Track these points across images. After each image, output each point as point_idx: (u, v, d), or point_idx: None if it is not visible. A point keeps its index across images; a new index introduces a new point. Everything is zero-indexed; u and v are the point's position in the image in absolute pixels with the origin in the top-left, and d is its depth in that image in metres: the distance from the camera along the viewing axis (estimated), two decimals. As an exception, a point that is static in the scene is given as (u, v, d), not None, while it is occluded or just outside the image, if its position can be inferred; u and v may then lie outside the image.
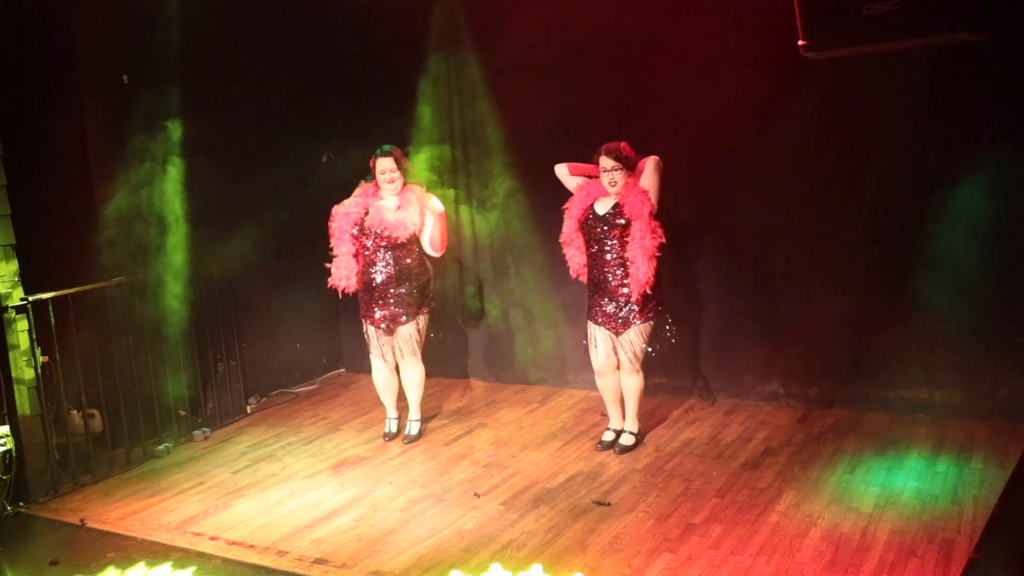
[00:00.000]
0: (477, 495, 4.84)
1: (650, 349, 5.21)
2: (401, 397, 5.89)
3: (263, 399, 6.92)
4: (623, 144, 5.05)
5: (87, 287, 5.48)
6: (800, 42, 4.43)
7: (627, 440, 5.36)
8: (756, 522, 4.30)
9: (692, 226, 6.05)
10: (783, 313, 5.92)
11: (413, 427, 5.83)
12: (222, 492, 5.15)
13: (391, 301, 5.50)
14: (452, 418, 6.25)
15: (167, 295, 5.94)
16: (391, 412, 5.89)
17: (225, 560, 4.31)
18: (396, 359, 5.69)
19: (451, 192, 6.87)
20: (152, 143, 5.84)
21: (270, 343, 7.00)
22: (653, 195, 5.01)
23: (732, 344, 6.10)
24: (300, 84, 6.89)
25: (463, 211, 6.88)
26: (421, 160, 6.80)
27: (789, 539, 4.11)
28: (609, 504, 4.62)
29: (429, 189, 6.80)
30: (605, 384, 5.37)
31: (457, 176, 6.85)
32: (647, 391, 6.42)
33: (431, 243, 5.53)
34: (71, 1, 5.62)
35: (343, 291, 5.55)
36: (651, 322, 5.13)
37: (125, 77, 5.84)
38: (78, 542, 4.62)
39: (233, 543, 4.48)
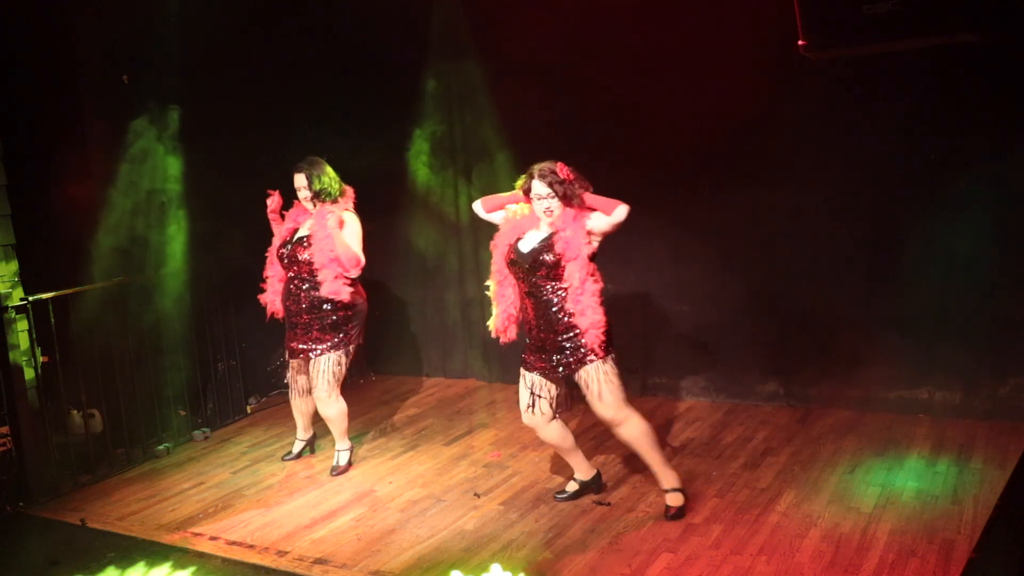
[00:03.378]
0: (477, 495, 4.84)
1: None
2: (318, 422, 5.50)
3: (263, 399, 6.92)
4: (560, 165, 4.21)
5: (87, 287, 5.49)
6: (800, 42, 4.43)
7: (674, 499, 4.44)
8: (756, 522, 4.30)
9: (691, 225, 6.05)
10: (783, 313, 5.92)
11: (341, 457, 5.35)
12: (222, 492, 5.15)
13: (305, 331, 5.05)
14: (452, 418, 6.25)
15: (167, 295, 5.94)
16: (299, 433, 5.56)
17: (225, 560, 4.31)
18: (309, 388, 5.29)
19: (451, 193, 6.88)
20: (152, 143, 5.84)
21: (270, 343, 6.99)
22: (597, 240, 4.25)
23: (732, 344, 6.10)
24: (300, 84, 6.89)
25: (463, 213, 6.88)
26: (421, 161, 6.82)
27: (789, 539, 4.11)
28: (609, 504, 4.62)
29: (428, 190, 6.86)
30: (546, 438, 4.54)
31: (457, 178, 6.86)
32: (648, 390, 6.43)
33: (340, 262, 4.94)
34: (71, 1, 5.62)
35: (271, 315, 5.24)
36: (611, 355, 4.28)
37: (125, 77, 5.84)
38: (78, 542, 4.61)
39: (233, 543, 4.48)
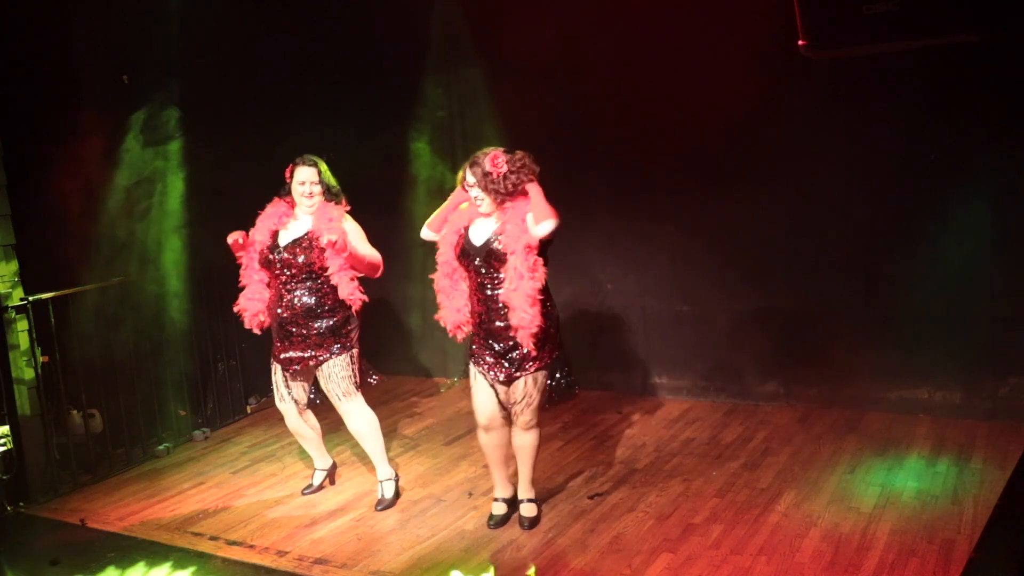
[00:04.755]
0: (470, 494, 4.84)
1: (546, 402, 4.28)
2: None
3: (263, 399, 6.91)
4: (494, 155, 4.07)
5: (87, 287, 5.49)
6: (800, 42, 4.43)
7: (530, 510, 4.45)
8: (756, 522, 4.30)
9: (691, 225, 6.05)
10: (783, 313, 5.92)
11: (385, 489, 4.84)
12: (222, 492, 5.15)
13: (302, 340, 4.63)
14: (452, 418, 6.25)
15: (167, 294, 5.94)
16: (317, 462, 5.08)
17: (225, 560, 4.31)
18: (305, 402, 4.84)
19: (451, 193, 6.87)
20: (151, 142, 5.84)
21: (270, 343, 6.98)
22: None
23: (732, 344, 6.10)
24: (300, 82, 6.89)
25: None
26: (422, 161, 6.82)
27: (789, 539, 4.11)
28: (603, 494, 4.66)
29: (428, 189, 6.84)
30: (490, 442, 4.39)
31: (457, 177, 6.84)
32: (648, 390, 6.44)
33: (360, 270, 4.65)
34: (71, 1, 5.62)
35: (256, 327, 4.77)
36: (545, 369, 4.20)
37: (125, 77, 5.84)
38: (78, 542, 4.61)
39: (233, 543, 4.48)
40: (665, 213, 6.11)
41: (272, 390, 4.87)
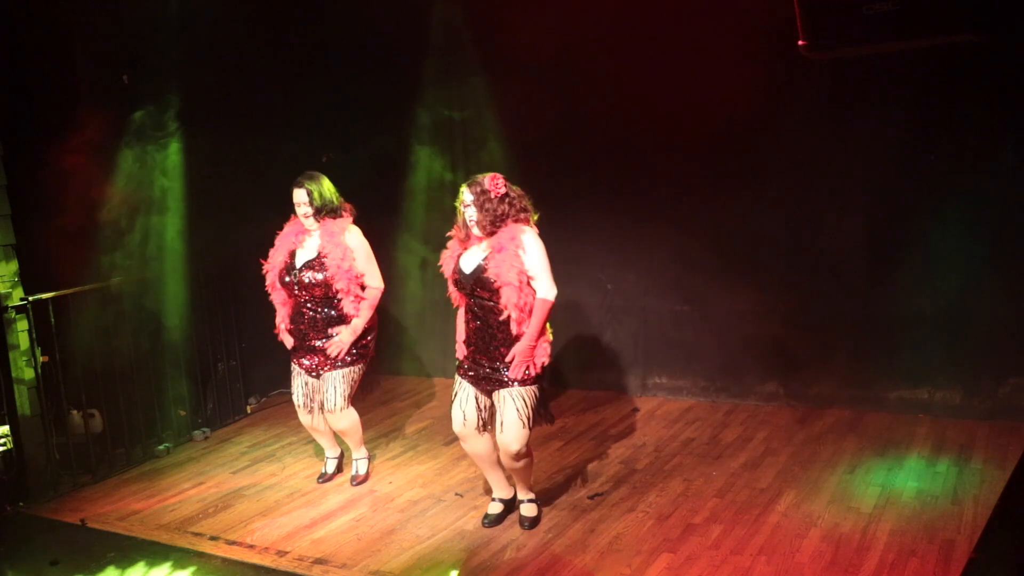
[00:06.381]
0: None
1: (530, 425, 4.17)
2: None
3: (263, 399, 6.92)
4: (493, 176, 4.13)
5: (87, 287, 5.49)
6: (800, 42, 4.43)
7: (530, 510, 4.46)
8: (756, 522, 4.30)
9: (691, 225, 6.05)
10: (783, 313, 5.92)
11: (360, 466, 5.19)
12: (222, 492, 5.15)
13: (322, 353, 4.87)
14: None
15: (167, 295, 5.94)
16: (328, 451, 5.27)
17: (225, 560, 4.31)
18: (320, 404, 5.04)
19: (452, 193, 6.87)
20: (151, 143, 5.84)
21: (270, 343, 6.98)
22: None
23: (732, 344, 6.10)
24: (299, 82, 6.89)
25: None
26: (423, 161, 6.82)
27: (789, 539, 4.11)
28: (603, 494, 4.65)
29: (429, 190, 6.86)
30: (472, 449, 4.36)
31: (458, 178, 6.85)
32: (648, 390, 6.44)
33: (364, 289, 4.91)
34: (71, 1, 5.62)
35: (281, 340, 5.04)
36: (533, 386, 4.15)
37: (125, 77, 5.84)
38: (78, 542, 4.61)
39: (233, 543, 4.48)
40: (665, 213, 6.11)
41: (292, 394, 5.06)
